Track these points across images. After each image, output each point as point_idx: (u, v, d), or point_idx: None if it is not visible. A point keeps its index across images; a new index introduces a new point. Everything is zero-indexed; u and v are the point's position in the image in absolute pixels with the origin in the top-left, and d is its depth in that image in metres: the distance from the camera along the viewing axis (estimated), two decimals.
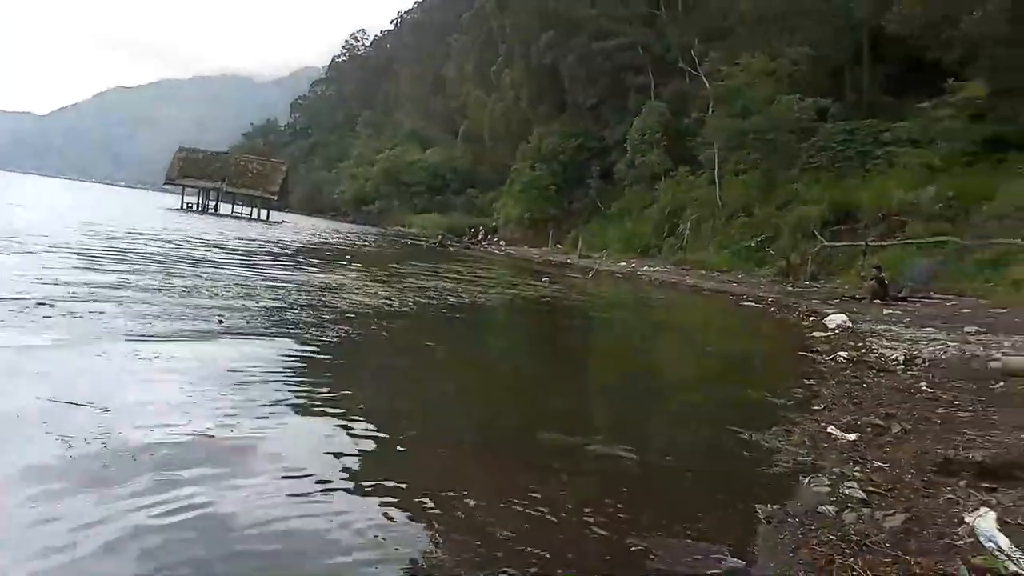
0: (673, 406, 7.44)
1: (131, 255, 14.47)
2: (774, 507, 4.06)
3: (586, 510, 3.81)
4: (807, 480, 4.54)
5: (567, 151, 50.71)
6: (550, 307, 16.51)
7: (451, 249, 44.30)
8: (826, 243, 26.59)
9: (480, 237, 58.04)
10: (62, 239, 15.72)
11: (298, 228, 48.58)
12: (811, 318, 15.90)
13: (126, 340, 6.38)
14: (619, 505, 3.93)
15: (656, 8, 49.13)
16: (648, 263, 36.16)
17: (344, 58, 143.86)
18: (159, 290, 9.67)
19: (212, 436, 4.23)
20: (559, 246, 47.83)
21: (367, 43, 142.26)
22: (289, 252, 23.13)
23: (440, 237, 53.23)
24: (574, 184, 50.93)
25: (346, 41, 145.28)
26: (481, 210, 67.83)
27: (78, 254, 13.11)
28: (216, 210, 56.88)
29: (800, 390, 7.69)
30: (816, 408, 6.73)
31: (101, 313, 7.37)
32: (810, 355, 10.40)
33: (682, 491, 4.49)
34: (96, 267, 11.41)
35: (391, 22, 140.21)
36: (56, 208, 33.68)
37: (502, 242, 54.04)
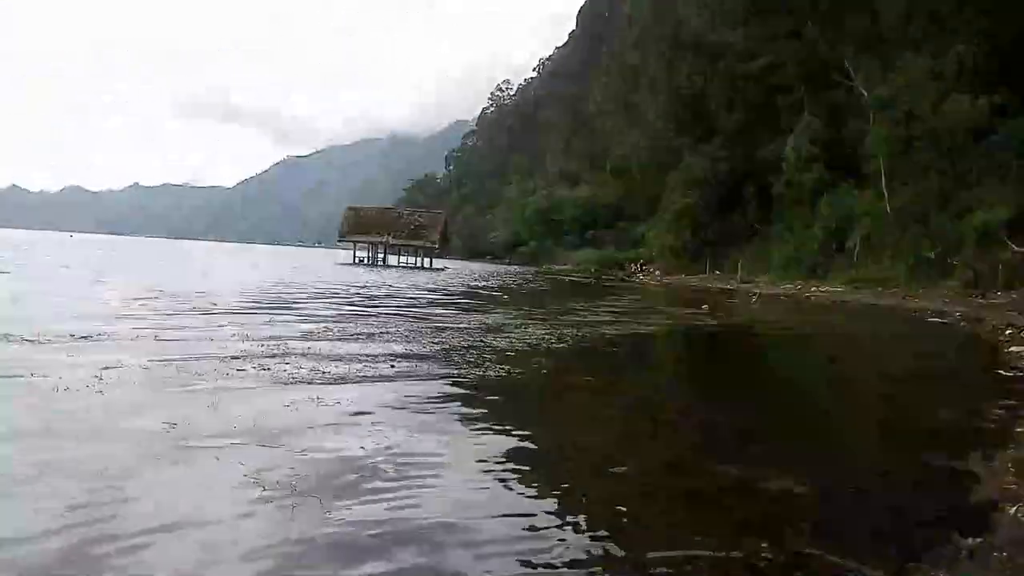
0: (857, 434, 6.93)
1: (311, 308, 15.55)
2: (977, 540, 3.67)
3: (763, 545, 3.61)
4: (1014, 510, 4.08)
5: (719, 175, 49.33)
6: (710, 336, 16.02)
7: (605, 284, 44.19)
8: (1017, 249, 24.09)
9: (635, 269, 57.58)
10: (247, 297, 17.15)
11: (459, 273, 50.33)
12: (1007, 331, 14.40)
13: (308, 384, 6.83)
14: (804, 540, 3.69)
15: (803, 23, 47.16)
16: (815, 284, 34.29)
17: (492, 109, 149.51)
18: (340, 339, 10.30)
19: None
20: (718, 273, 46.51)
21: (512, 92, 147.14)
22: (451, 297, 23.99)
23: (593, 271, 53.34)
24: (729, 208, 49.44)
25: (492, 93, 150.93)
26: (634, 242, 67.50)
27: (263, 308, 14.24)
28: (384, 262, 59.88)
29: (1000, 411, 6.96)
30: (1019, 431, 6.06)
31: (287, 364, 7.95)
32: (1008, 372, 9.41)
33: (872, 525, 4.14)
34: (279, 321, 12.34)
35: (533, 69, 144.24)
36: (245, 270, 36.85)
37: (657, 272, 53.36)
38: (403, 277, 37.44)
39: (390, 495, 4.05)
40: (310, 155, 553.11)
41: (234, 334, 10.04)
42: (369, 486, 4.19)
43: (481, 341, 10.97)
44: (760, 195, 47.23)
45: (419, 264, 59.34)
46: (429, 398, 6.77)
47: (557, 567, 3.35)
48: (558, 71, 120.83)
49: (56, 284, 18.89)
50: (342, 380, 7.26)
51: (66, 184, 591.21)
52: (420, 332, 11.75)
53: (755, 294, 30.31)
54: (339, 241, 64.55)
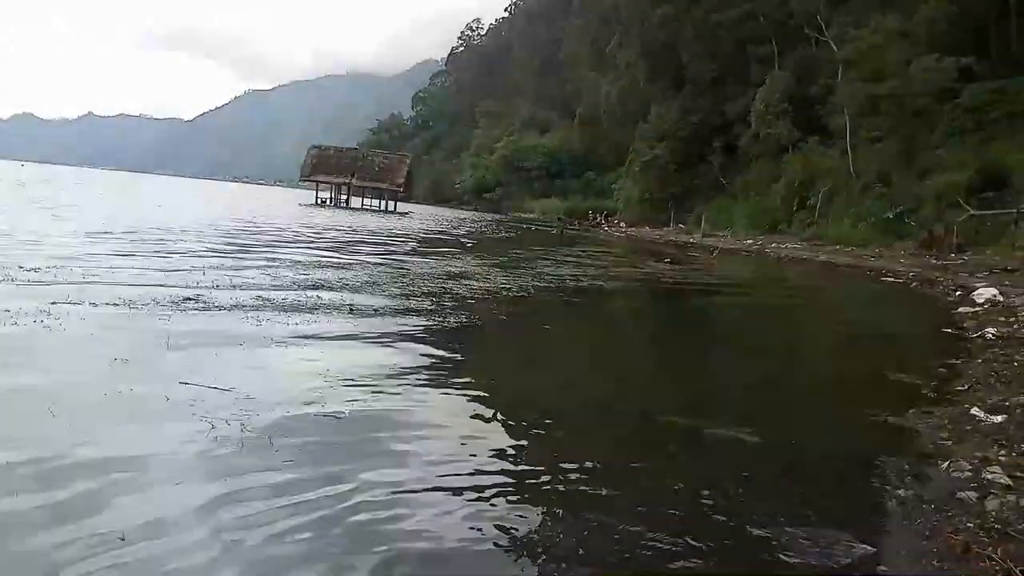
0: (802, 387, 7.18)
1: (277, 252, 15.36)
2: (908, 492, 3.86)
3: (704, 493, 3.75)
4: (946, 464, 4.28)
5: (687, 128, 49.26)
6: (671, 288, 16.26)
7: (570, 233, 44.31)
8: (973, 212, 24.64)
9: (600, 220, 57.76)
10: (205, 236, 16.86)
11: (423, 217, 49.99)
12: (957, 293, 14.84)
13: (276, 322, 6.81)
14: (740, 490, 3.84)
15: None
16: (776, 240, 34.79)
17: (461, 49, 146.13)
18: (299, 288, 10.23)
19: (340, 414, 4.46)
20: (682, 226, 46.81)
21: (483, 32, 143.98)
22: (414, 241, 23.88)
23: (558, 221, 53.40)
24: (696, 161, 49.50)
25: (462, 32, 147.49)
26: (600, 192, 67.70)
27: (219, 253, 14.01)
28: (347, 203, 59.30)
29: (943, 369, 7.24)
30: (960, 388, 6.32)
31: (242, 307, 7.88)
32: (955, 332, 9.75)
33: (808, 475, 4.32)
34: (242, 264, 12.16)
35: (505, 10, 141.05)
36: (202, 207, 36.11)
37: (622, 224, 53.56)
38: (365, 220, 37.09)
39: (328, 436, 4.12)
40: (273, 89, 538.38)
41: (183, 279, 9.91)
42: (308, 439, 4.25)
43: (442, 288, 11.00)
44: (727, 150, 47.42)
45: (383, 207, 58.74)
46: (384, 344, 6.82)
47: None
48: (532, 11, 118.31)
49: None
50: (299, 332, 7.25)
51: (16, 111, 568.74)
52: (381, 278, 11.72)
53: (716, 249, 30.69)
54: (301, 181, 63.68)
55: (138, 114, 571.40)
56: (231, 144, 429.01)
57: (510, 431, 4.65)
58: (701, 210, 45.24)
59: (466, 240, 27.32)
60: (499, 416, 4.90)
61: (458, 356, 6.78)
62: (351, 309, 8.31)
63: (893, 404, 5.67)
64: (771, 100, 41.56)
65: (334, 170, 59.46)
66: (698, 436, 4.84)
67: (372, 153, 66.17)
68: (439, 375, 5.88)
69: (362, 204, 59.85)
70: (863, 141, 34.20)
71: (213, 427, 4.01)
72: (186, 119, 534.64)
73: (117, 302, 7.28)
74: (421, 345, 6.93)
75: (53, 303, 6.81)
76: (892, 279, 19.21)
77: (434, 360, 6.40)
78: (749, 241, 35.62)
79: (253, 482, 3.39)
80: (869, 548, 3.23)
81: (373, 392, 5.09)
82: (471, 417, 4.83)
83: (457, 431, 4.50)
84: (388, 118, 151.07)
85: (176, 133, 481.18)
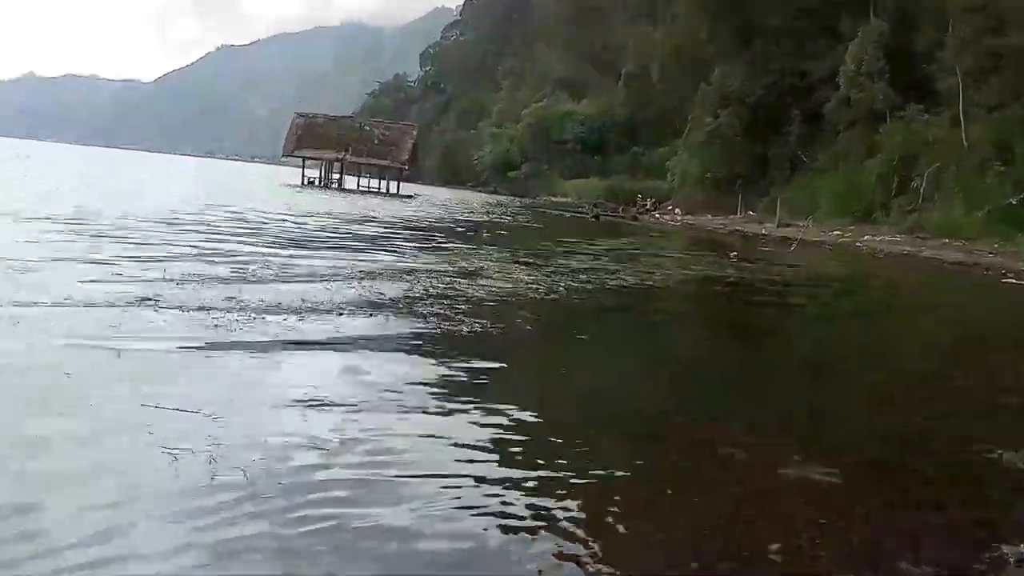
0: (898, 417, 7.04)
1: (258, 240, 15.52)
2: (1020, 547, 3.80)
3: (773, 547, 3.71)
4: None
5: (757, 92, 48.91)
6: (737, 290, 16.15)
7: (610, 220, 44.07)
8: None
9: (649, 205, 57.40)
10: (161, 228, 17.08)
11: (433, 202, 50.17)
12: None
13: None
14: (817, 541, 3.79)
15: None
16: (870, 231, 34.44)
17: None
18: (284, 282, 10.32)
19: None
20: (752, 213, 46.48)
21: None
22: (421, 229, 23.98)
23: (593, 208, 52.96)
24: (769, 133, 48.88)
25: None
26: (650, 170, 66.98)
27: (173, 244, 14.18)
28: (341, 184, 59.36)
29: None
30: None
31: (211, 310, 7.96)
32: None
33: (901, 523, 4.25)
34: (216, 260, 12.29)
35: None
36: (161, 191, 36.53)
37: (677, 211, 53.28)
38: (363, 205, 37.29)
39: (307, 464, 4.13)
40: (251, 44, 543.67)
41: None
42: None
43: (454, 289, 11.02)
44: (808, 118, 46.66)
45: (383, 189, 59.08)
46: (381, 355, 6.85)
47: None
48: None
49: None
50: (286, 338, 7.30)
51: None
52: (378, 276, 11.78)
53: (793, 241, 30.41)
54: (285, 156, 64.00)
55: (88, 74, 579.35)
56: (199, 111, 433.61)
57: (530, 483, 4.52)
58: (776, 194, 44.93)
59: (485, 230, 27.40)
60: (518, 459, 4.83)
61: (471, 374, 6.77)
62: (341, 312, 8.39)
63: (1013, 439, 5.57)
64: (864, 57, 41.00)
65: (324, 143, 59.44)
66: (776, 473, 4.78)
67: (371, 123, 66.45)
68: (446, 396, 5.88)
69: (358, 185, 60.05)
70: (978, 107, 33.72)
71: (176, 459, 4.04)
72: (146, 81, 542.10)
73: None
74: (427, 359, 6.95)
75: None
76: (1016, 281, 18.93)
77: (442, 377, 6.41)
78: (836, 232, 35.30)
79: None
80: None
81: (366, 414, 5.10)
82: (482, 453, 4.80)
83: (465, 470, 4.47)
84: (391, 79, 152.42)
85: (133, 97, 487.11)
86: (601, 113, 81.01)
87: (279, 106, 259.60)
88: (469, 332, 8.28)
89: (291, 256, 13.27)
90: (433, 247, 18.66)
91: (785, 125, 47.86)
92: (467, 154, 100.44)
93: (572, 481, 4.44)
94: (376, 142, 59.80)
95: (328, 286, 10.13)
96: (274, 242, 15.78)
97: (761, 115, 48.65)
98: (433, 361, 6.91)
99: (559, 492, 4.22)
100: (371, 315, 8.57)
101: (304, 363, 6.52)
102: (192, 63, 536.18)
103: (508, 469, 4.54)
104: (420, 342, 7.60)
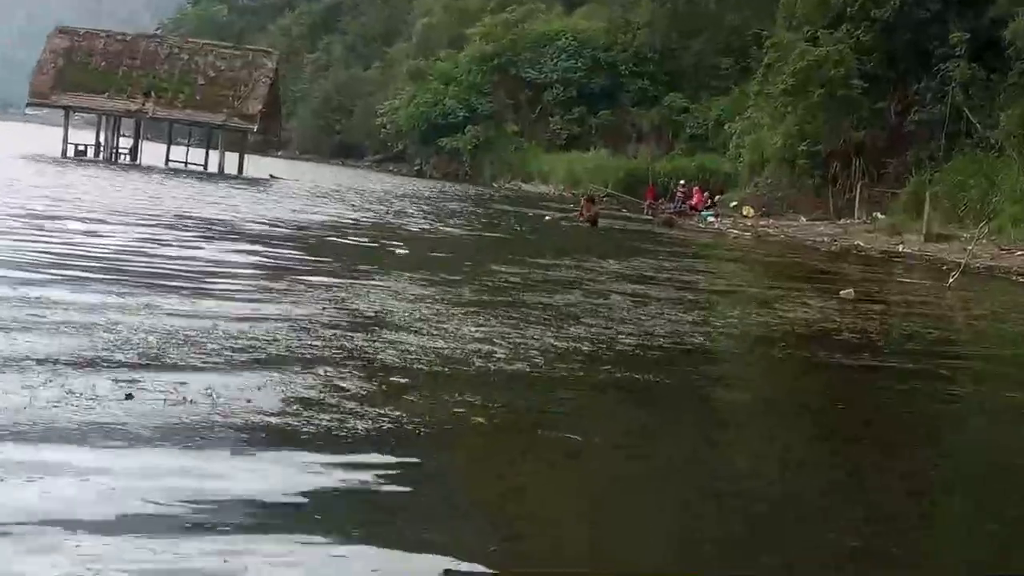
0: None
1: None
2: None
3: None
4: None
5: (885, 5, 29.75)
6: (860, 357, 9.58)
7: (620, 228, 28.95)
8: None
9: (697, 201, 38.17)
10: None
11: (306, 191, 32.16)
12: None
13: None
14: None
15: None
16: None
17: None
18: None
19: None
20: (879, 216, 30.28)
21: None
22: (287, 242, 15.16)
23: (587, 203, 29.13)
24: (907, 73, 31.42)
25: None
26: (696, 138, 45.32)
27: None
28: (136, 157, 38.35)
29: None
30: None
31: None
32: None
33: None
34: None
35: None
36: None
37: (747, 211, 35.82)
38: (171, 197, 22.05)
39: None
40: None
41: None
42: None
43: (350, 349, 6.75)
44: (980, 50, 29.19)
45: (215, 167, 37.39)
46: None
47: None
48: None
49: None
50: None
51: None
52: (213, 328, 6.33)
53: (954, 270, 18.61)
54: (30, 106, 42.87)
55: None
56: None
57: None
58: (920, 182, 28.87)
59: (401, 245, 16.16)
60: None
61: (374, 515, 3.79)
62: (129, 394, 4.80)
63: None
64: None
65: (108, 84, 36.33)
66: None
67: (193, 47, 40.68)
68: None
69: (167, 159, 38.83)
70: None
71: None
72: None
73: None
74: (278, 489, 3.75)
75: None
76: None
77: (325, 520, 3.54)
78: None
79: None
80: None
81: None
82: None
83: None
84: None
85: None
86: (607, 35, 51.96)
87: (23, 22, 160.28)
88: (367, 430, 4.86)
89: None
90: (312, 270, 11.71)
91: (939, 62, 30.12)
92: (367, 107, 63.93)
93: None
94: (202, 82, 37.40)
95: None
96: None
97: (896, 43, 31.10)
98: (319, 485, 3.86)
99: None
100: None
101: None
102: None
103: None
104: (270, 453, 4.29)
